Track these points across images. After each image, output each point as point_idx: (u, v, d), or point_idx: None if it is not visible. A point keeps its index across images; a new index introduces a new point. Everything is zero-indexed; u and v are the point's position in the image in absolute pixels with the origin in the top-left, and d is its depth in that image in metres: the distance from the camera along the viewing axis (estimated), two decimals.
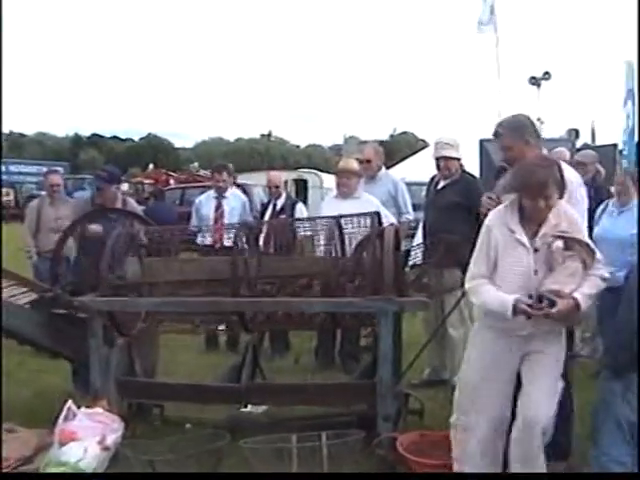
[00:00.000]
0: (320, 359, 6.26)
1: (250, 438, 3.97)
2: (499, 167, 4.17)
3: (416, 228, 6.12)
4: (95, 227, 5.48)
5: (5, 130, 55.26)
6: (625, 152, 12.10)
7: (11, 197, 29.12)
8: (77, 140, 71.23)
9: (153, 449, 3.95)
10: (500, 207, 3.47)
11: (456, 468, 3.54)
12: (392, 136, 72.58)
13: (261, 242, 5.13)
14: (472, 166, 7.49)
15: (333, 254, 4.40)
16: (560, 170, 3.31)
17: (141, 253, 4.74)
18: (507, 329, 3.31)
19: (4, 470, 3.92)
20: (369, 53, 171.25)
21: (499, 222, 3.36)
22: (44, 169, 16.69)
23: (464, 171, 5.71)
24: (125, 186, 23.88)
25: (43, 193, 8.24)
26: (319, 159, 60.68)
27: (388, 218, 5.66)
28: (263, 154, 68.73)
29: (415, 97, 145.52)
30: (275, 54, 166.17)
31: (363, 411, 4.32)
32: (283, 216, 6.75)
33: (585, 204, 3.82)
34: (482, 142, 11.36)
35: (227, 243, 5.85)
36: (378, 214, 4.74)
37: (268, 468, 3.79)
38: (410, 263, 4.69)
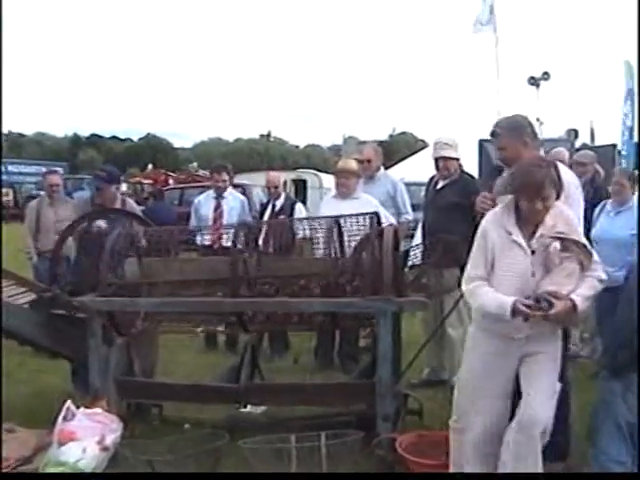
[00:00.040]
0: (319, 359, 6.26)
1: (249, 438, 3.98)
2: (495, 168, 4.18)
3: (415, 228, 6.13)
4: (100, 222, 5.46)
5: (4, 130, 55.24)
6: (624, 152, 12.11)
7: (10, 197, 29.14)
8: (76, 140, 71.26)
9: (152, 449, 3.95)
10: (496, 209, 3.46)
11: (452, 470, 3.54)
12: (391, 136, 72.66)
13: (260, 242, 5.13)
14: (471, 166, 7.51)
15: (332, 254, 4.40)
16: (557, 171, 3.31)
17: (140, 253, 4.74)
18: (503, 332, 3.29)
19: (3, 470, 3.92)
20: (368, 53, 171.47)
21: (496, 224, 3.35)
22: (43, 169, 16.69)
23: (463, 171, 5.71)
24: (124, 186, 23.89)
25: (42, 193, 8.24)
26: (318, 159, 60.70)
27: (387, 218, 5.66)
28: (262, 154, 68.73)
29: (414, 97, 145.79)
30: (274, 54, 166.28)
31: (362, 411, 4.32)
32: (282, 216, 6.75)
33: (581, 205, 3.83)
34: (481, 142, 11.35)
35: (226, 243, 5.86)
36: (377, 214, 4.74)
37: (267, 468, 3.79)
38: (409, 263, 4.69)
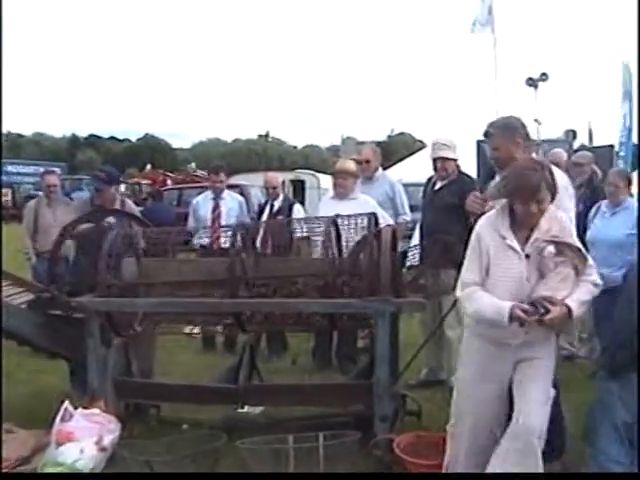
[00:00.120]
0: (317, 360, 6.26)
1: (247, 439, 3.98)
2: (490, 169, 4.19)
3: (413, 229, 6.13)
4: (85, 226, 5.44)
5: (3, 130, 55.15)
6: (622, 153, 12.11)
7: (9, 197, 29.14)
8: (74, 141, 71.28)
9: (150, 449, 3.95)
10: (490, 213, 3.42)
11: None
12: (389, 137, 72.69)
13: (258, 243, 5.13)
14: (469, 167, 7.50)
15: (330, 255, 4.41)
16: (552, 173, 3.28)
17: (139, 254, 4.74)
18: (498, 338, 3.26)
19: (2, 470, 3.92)
20: (366, 54, 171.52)
21: (490, 228, 3.31)
22: (41, 169, 16.68)
23: (461, 172, 5.71)
24: (122, 187, 23.90)
25: (40, 193, 8.24)
26: (316, 160, 60.71)
27: (385, 219, 5.67)
28: (260, 155, 68.76)
29: (412, 98, 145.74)
30: (273, 55, 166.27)
31: (360, 412, 4.33)
32: (280, 217, 6.75)
33: (573, 207, 3.83)
34: (479, 143, 11.35)
35: (224, 244, 5.86)
36: (375, 215, 4.74)
37: (265, 469, 3.80)
38: (407, 264, 4.69)
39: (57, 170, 12.26)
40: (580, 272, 3.23)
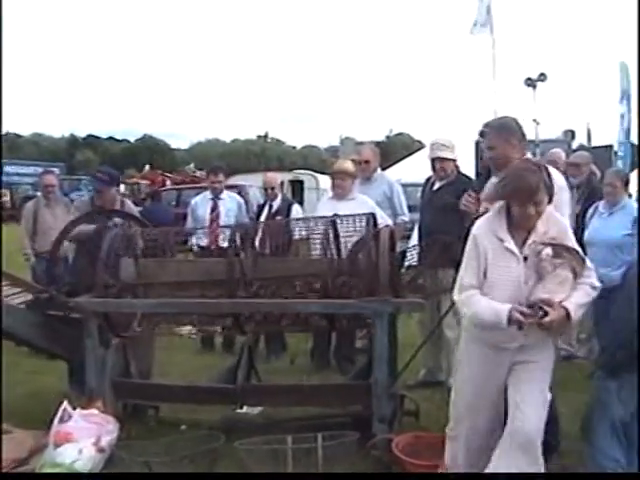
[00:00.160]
0: (316, 360, 6.26)
1: (245, 439, 3.98)
2: (487, 170, 4.19)
3: (412, 229, 6.13)
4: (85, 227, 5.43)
5: (1, 131, 55.12)
6: (620, 153, 12.12)
7: (7, 198, 29.12)
8: (73, 141, 71.27)
9: (148, 450, 3.95)
10: (487, 215, 3.39)
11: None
12: (388, 137, 72.70)
13: (257, 243, 5.13)
14: (468, 167, 7.49)
15: (329, 255, 4.40)
16: (549, 175, 3.26)
17: (137, 254, 4.74)
18: (496, 342, 3.25)
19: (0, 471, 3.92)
20: (365, 54, 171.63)
21: (487, 230, 3.27)
22: (40, 170, 16.67)
23: (460, 172, 5.71)
24: (121, 187, 23.89)
25: (39, 194, 8.24)
26: (315, 160, 60.72)
27: (384, 219, 5.67)
28: (259, 155, 68.80)
29: (411, 98, 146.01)
30: (272, 56, 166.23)
31: (359, 412, 4.33)
32: (279, 217, 6.75)
33: (569, 208, 3.82)
34: (478, 143, 11.35)
35: (223, 244, 5.85)
36: (374, 215, 4.74)
37: (263, 469, 3.79)
38: (406, 264, 4.69)
39: (55, 170, 12.27)
40: (578, 274, 3.20)
